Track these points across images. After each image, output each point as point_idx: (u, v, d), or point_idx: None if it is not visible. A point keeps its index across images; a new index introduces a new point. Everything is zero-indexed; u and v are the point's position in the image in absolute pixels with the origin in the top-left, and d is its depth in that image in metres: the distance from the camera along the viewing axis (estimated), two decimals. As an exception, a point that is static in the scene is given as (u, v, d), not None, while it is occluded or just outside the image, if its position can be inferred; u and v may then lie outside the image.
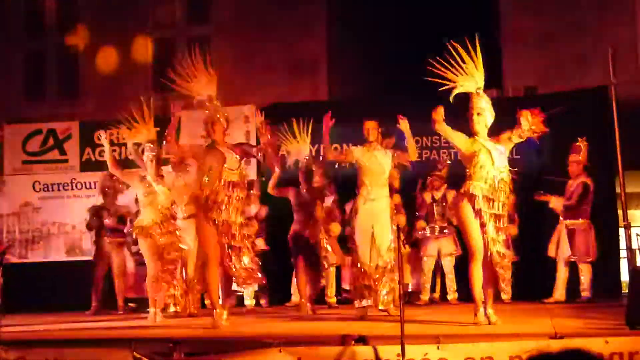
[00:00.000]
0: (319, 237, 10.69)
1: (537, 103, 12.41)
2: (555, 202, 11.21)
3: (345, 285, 11.91)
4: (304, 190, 10.67)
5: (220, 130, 8.75)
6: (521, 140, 8.12)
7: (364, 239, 9.24)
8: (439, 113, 7.93)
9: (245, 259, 8.55)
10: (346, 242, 11.59)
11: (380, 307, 9.16)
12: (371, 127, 9.47)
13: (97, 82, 15.48)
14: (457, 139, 8.04)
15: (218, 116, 8.74)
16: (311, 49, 14.94)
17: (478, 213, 7.79)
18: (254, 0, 15.35)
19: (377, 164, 9.33)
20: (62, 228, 13.55)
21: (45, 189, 13.66)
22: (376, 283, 9.15)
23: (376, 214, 9.24)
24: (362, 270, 9.24)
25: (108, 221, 12.11)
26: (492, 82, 13.47)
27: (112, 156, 10.59)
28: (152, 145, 10.05)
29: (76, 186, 13.57)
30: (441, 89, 7.93)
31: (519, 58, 14.31)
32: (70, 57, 15.87)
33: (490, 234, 7.80)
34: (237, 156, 8.70)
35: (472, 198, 7.80)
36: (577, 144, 11.18)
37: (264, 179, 12.63)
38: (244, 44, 15.07)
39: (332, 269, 11.79)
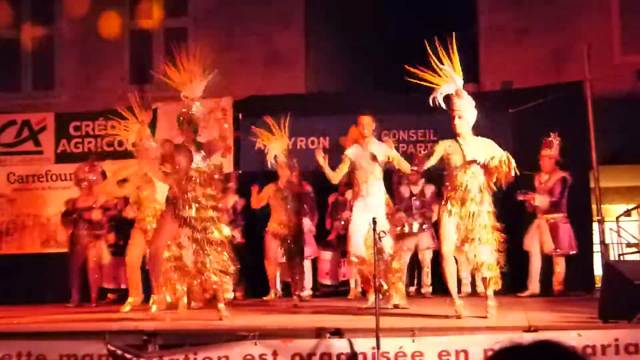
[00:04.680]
0: (298, 230, 10.74)
1: (513, 97, 12.57)
2: (541, 200, 11.19)
3: (325, 280, 11.97)
4: (283, 185, 10.69)
5: (194, 131, 8.82)
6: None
7: (359, 237, 9.23)
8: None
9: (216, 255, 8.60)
10: (324, 236, 11.66)
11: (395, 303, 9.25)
12: (367, 123, 9.41)
13: (72, 73, 15.39)
14: (439, 155, 8.11)
15: (196, 117, 8.78)
16: (288, 41, 14.93)
17: (451, 214, 7.91)
18: (231, -7, 15.32)
19: (369, 160, 9.30)
20: (37, 220, 13.45)
21: (20, 181, 13.56)
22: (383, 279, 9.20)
23: (373, 209, 9.17)
24: (362, 266, 9.26)
25: (88, 214, 12.04)
26: (469, 77, 13.54)
27: (112, 182, 10.64)
28: (151, 141, 10.11)
29: (51, 178, 13.47)
30: (429, 99, 7.98)
31: (496, 53, 14.36)
32: (45, 47, 15.76)
33: (464, 233, 7.89)
34: (205, 154, 8.74)
35: (446, 200, 7.92)
36: (550, 139, 11.21)
37: (240, 172, 12.64)
38: (221, 37, 15.02)
39: (307, 262, 11.79)
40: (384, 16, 16.40)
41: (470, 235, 7.91)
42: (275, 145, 10.83)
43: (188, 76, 8.81)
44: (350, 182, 9.79)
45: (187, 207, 8.47)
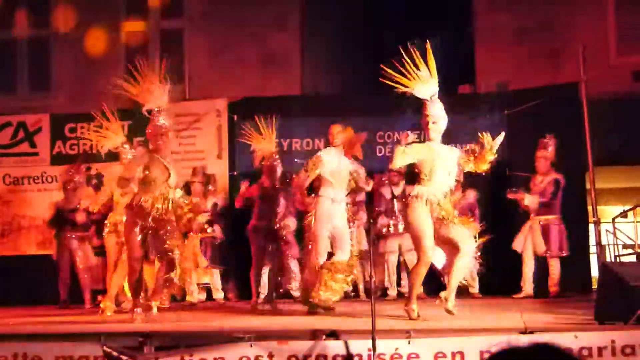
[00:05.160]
0: (281, 230, 10.72)
1: (509, 99, 12.57)
2: (530, 200, 11.20)
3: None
4: (268, 185, 10.68)
5: (167, 144, 8.83)
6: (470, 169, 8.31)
7: (323, 239, 9.25)
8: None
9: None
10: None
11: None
12: (335, 132, 9.46)
13: (68, 74, 15.35)
14: (416, 154, 8.12)
15: (164, 130, 8.76)
16: (284, 43, 14.91)
17: (432, 215, 7.95)
18: (227, -6, 15.30)
19: (343, 167, 9.35)
20: (32, 221, 13.43)
21: (16, 182, 13.54)
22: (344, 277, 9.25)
23: (339, 215, 9.29)
24: (316, 269, 9.27)
25: (78, 217, 12.03)
26: (465, 77, 13.55)
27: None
28: (127, 147, 10.13)
29: (47, 179, 13.46)
30: (396, 89, 8.00)
31: (492, 54, 14.35)
32: (41, 49, 15.72)
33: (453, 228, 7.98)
34: (175, 175, 8.86)
35: (425, 201, 7.93)
36: (545, 140, 11.22)
37: (235, 173, 12.64)
38: (217, 38, 15.02)
39: (294, 262, 11.70)
40: (380, 17, 16.40)
41: (454, 228, 8.01)
42: (263, 147, 10.83)
43: (147, 88, 8.79)
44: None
45: (150, 217, 8.57)
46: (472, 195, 11.41)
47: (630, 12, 14.07)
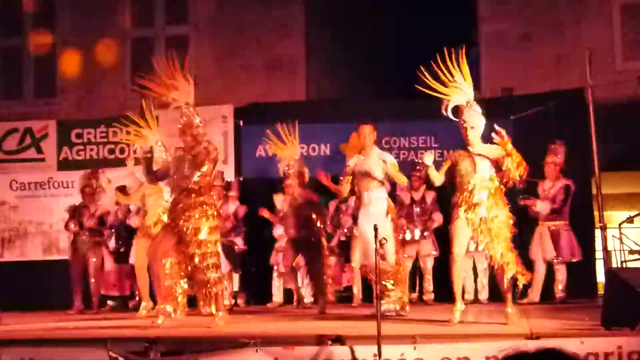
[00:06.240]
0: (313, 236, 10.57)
1: (514, 104, 12.55)
2: (542, 206, 11.20)
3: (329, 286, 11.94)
4: (297, 193, 10.53)
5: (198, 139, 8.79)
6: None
7: (369, 245, 9.21)
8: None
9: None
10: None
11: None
12: (367, 132, 9.34)
13: (74, 81, 15.39)
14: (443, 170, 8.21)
15: (195, 125, 8.64)
16: (289, 49, 14.93)
17: (462, 218, 7.93)
18: (232, 0, 15.31)
19: (368, 169, 9.25)
20: (39, 227, 13.45)
21: (22, 188, 13.56)
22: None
23: (373, 218, 9.08)
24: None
25: (89, 221, 12.06)
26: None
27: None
28: (160, 145, 10.07)
29: (53, 185, 13.48)
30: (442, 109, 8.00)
31: (497, 59, 14.34)
32: (47, 55, 15.76)
33: (483, 238, 7.93)
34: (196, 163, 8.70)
35: (457, 205, 7.95)
36: (555, 145, 11.23)
37: (242, 179, 12.65)
38: (222, 44, 15.05)
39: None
40: (384, 23, 16.41)
41: (483, 239, 7.93)
42: (287, 154, 10.71)
43: (174, 83, 8.71)
44: (352, 189, 9.73)
45: (179, 218, 8.43)
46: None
47: (637, 17, 14.05)
